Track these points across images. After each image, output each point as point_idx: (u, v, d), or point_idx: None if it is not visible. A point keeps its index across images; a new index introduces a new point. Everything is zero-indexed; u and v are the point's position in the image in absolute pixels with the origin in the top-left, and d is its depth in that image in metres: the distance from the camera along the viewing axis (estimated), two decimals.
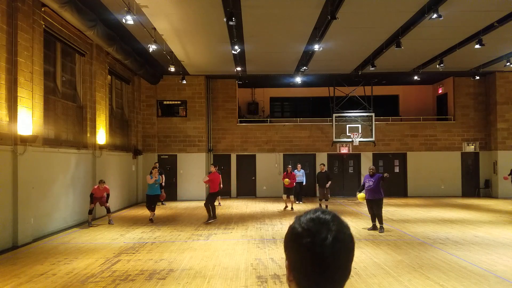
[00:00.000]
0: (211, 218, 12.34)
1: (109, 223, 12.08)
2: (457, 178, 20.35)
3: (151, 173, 12.94)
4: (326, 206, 15.17)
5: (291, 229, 1.16)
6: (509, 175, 17.43)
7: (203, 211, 15.26)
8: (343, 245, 1.10)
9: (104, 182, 12.11)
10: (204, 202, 12.88)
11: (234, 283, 6.35)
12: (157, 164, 17.11)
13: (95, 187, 12.09)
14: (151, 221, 12.44)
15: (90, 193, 12.07)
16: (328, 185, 14.96)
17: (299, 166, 17.59)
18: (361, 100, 19.60)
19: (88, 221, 12.05)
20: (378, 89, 20.84)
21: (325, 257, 1.07)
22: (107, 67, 14.59)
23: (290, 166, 15.82)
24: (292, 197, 15.18)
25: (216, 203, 16.99)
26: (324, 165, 15.86)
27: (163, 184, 17.03)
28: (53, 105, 11.41)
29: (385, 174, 10.32)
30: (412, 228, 11.21)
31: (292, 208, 15.36)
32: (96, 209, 12.79)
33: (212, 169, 13.02)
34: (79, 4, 10.34)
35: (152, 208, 12.62)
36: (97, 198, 11.97)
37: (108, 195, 12.14)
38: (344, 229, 1.12)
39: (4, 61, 8.94)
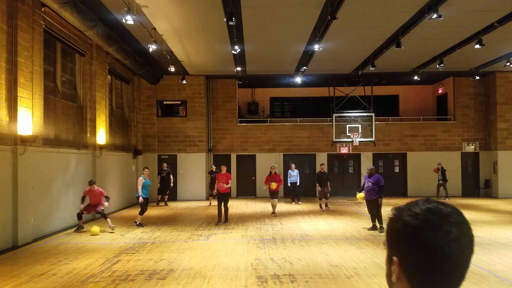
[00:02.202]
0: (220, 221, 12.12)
1: (109, 226, 10.90)
2: (457, 178, 20.34)
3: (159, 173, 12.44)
4: (326, 205, 15.20)
5: (402, 222, 1.03)
6: (438, 169, 18.49)
7: (203, 211, 15.29)
8: (468, 239, 1.01)
9: (94, 183, 11.04)
10: (223, 204, 12.10)
11: (234, 283, 6.35)
12: (165, 164, 17.16)
13: (87, 189, 11.05)
14: (141, 226, 11.70)
15: (82, 195, 11.19)
16: (328, 185, 15.00)
17: (293, 166, 17.49)
18: (361, 100, 19.60)
19: (79, 225, 11.07)
20: (378, 89, 20.83)
21: (451, 253, 0.97)
22: (107, 67, 14.59)
23: (273, 167, 14.96)
24: (276, 200, 14.09)
25: (216, 203, 17.03)
26: (324, 165, 15.88)
27: (172, 184, 17.05)
28: (53, 105, 11.40)
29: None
30: None
31: (273, 211, 14.07)
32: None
33: (223, 169, 12.52)
34: (79, 4, 10.34)
35: (143, 212, 11.88)
36: (92, 205, 10.96)
37: (107, 197, 11.13)
38: (466, 222, 1.03)
39: (4, 61, 8.94)
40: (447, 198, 18.49)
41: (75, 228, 11.20)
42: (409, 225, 1.02)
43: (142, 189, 11.66)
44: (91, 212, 11.29)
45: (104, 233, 10.76)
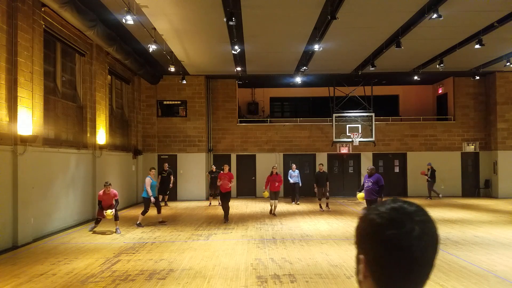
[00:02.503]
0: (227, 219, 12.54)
1: (116, 232, 10.70)
2: (457, 178, 20.34)
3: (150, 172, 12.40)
4: (327, 205, 15.18)
5: (368, 220, 1.05)
6: (428, 170, 18.56)
7: (203, 211, 15.30)
8: (431, 238, 1.01)
9: (110, 185, 10.73)
10: (225, 203, 12.48)
11: (234, 283, 6.35)
12: (166, 165, 17.14)
13: (100, 193, 10.76)
14: (141, 226, 11.65)
15: (98, 200, 10.92)
16: (327, 185, 14.98)
17: (293, 166, 17.46)
18: (361, 100, 19.60)
19: (93, 226, 11.00)
20: (378, 89, 20.83)
21: (413, 251, 0.98)
22: (107, 67, 14.59)
23: (275, 166, 14.73)
24: (276, 201, 13.85)
25: (216, 202, 17.10)
26: (322, 165, 15.86)
27: (171, 185, 17.04)
28: (53, 105, 11.40)
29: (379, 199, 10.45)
30: None
31: (272, 212, 13.96)
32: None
33: (226, 168, 12.85)
34: (79, 4, 10.34)
35: (145, 212, 11.90)
36: (106, 206, 10.62)
37: (117, 201, 10.77)
38: (431, 220, 1.03)
39: (4, 61, 8.94)
40: (429, 198, 18.59)
41: (88, 228, 11.12)
42: (373, 223, 1.03)
43: (150, 189, 11.76)
44: (103, 215, 10.69)
45: (105, 233, 10.76)
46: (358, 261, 1.08)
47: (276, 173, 14.10)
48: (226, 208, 12.46)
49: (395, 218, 1.01)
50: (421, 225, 1.00)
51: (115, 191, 10.85)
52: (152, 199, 11.76)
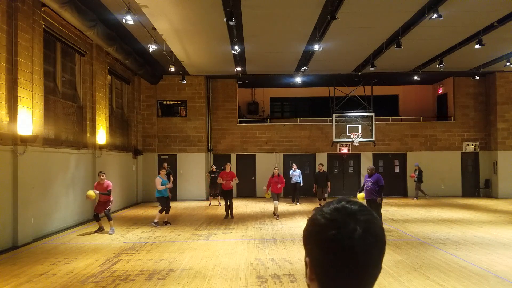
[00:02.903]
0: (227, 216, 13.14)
1: (109, 233, 10.61)
2: (457, 178, 20.34)
3: (159, 173, 12.43)
4: None
5: (312, 221, 1.02)
6: (415, 171, 18.62)
7: (203, 211, 15.30)
8: (375, 238, 0.97)
9: (104, 174, 10.74)
10: (227, 201, 13.12)
11: (234, 283, 6.35)
12: (165, 164, 17.05)
13: (95, 184, 10.93)
14: (157, 224, 11.70)
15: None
16: (329, 185, 14.90)
17: (294, 166, 17.42)
18: (361, 100, 19.60)
19: (100, 226, 10.81)
20: (378, 89, 20.83)
21: (355, 252, 0.94)
22: (107, 67, 14.59)
23: (276, 167, 13.92)
24: (277, 202, 13.28)
25: (215, 202, 17.11)
26: (322, 165, 15.82)
27: (171, 185, 16.94)
28: (53, 105, 11.40)
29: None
30: (412, 228, 11.21)
31: (275, 214, 13.42)
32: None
33: (228, 167, 13.41)
34: (79, 4, 10.34)
35: (163, 210, 11.90)
36: (102, 203, 10.68)
37: (109, 191, 10.60)
38: (374, 220, 1.00)
39: (4, 61, 8.94)
40: (415, 198, 18.57)
41: (95, 230, 10.90)
42: (316, 224, 1.00)
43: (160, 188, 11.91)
44: (102, 210, 10.77)
45: (104, 233, 10.76)
46: (305, 263, 1.04)
47: (278, 174, 13.63)
48: (226, 207, 13.02)
49: (337, 218, 0.98)
50: (364, 225, 0.97)
51: (108, 182, 10.78)
52: (169, 194, 12.18)
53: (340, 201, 1.03)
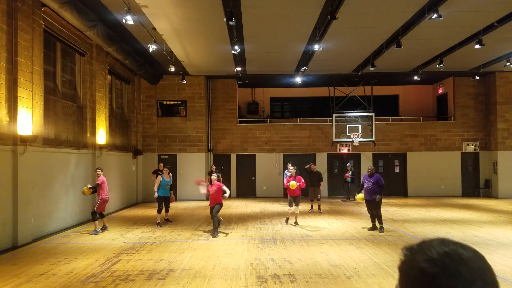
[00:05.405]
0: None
1: (90, 233, 10.55)
2: (457, 178, 20.35)
3: (160, 173, 12.36)
4: (319, 207, 14.78)
5: (420, 269, 0.91)
6: (348, 171, 18.41)
7: (203, 211, 15.27)
8: None
9: (100, 170, 10.75)
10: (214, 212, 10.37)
11: (234, 283, 6.35)
12: (161, 165, 16.98)
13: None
14: (159, 225, 11.74)
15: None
16: (321, 186, 14.45)
17: (289, 165, 17.12)
18: (361, 100, 19.61)
19: (104, 225, 10.90)
20: (378, 89, 20.84)
21: None
22: (107, 67, 14.59)
23: (292, 167, 12.59)
24: (298, 208, 11.79)
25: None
26: (315, 165, 15.38)
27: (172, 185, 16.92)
28: (53, 105, 11.40)
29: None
30: (412, 228, 11.21)
31: (295, 220, 11.89)
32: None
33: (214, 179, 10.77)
34: (79, 4, 10.34)
35: (160, 210, 11.96)
36: (102, 200, 10.72)
37: (98, 185, 10.53)
38: (490, 269, 0.91)
39: (4, 61, 8.94)
40: (348, 200, 18.44)
41: (92, 233, 10.67)
42: (426, 273, 0.89)
43: (158, 187, 11.91)
44: (101, 208, 10.76)
45: (105, 233, 10.76)
46: None
47: (295, 175, 11.92)
48: (214, 220, 10.27)
49: (450, 266, 0.87)
50: (480, 275, 0.88)
51: (103, 178, 10.73)
52: (156, 194, 11.96)
53: (448, 244, 0.92)
